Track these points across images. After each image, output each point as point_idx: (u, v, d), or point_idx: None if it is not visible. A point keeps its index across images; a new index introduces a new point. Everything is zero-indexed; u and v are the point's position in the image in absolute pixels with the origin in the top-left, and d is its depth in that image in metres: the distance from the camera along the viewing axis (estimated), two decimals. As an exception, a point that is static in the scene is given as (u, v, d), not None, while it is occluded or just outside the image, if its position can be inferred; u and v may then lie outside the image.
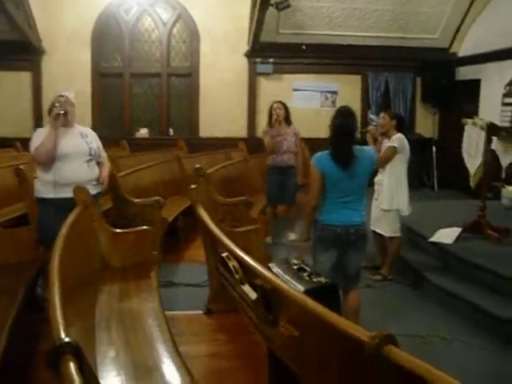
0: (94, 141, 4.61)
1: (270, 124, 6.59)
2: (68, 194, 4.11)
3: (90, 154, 4.48)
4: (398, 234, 5.37)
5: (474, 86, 9.69)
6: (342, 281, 3.76)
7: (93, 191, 4.37)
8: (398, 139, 5.25)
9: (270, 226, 6.82)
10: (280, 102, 6.71)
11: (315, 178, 3.77)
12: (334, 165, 3.68)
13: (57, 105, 4.34)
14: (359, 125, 5.78)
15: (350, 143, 3.71)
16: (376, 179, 5.41)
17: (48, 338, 1.87)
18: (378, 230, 5.39)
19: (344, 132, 3.70)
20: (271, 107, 6.65)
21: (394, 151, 5.23)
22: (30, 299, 4.02)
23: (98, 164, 4.64)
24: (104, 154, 4.76)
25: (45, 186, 4.32)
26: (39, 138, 4.29)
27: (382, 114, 5.56)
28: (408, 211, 5.41)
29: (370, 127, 5.58)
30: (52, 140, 4.23)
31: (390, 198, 5.29)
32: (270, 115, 6.61)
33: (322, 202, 3.78)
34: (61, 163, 4.29)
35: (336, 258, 3.77)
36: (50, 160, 4.26)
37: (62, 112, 4.28)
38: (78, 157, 4.38)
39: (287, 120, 6.63)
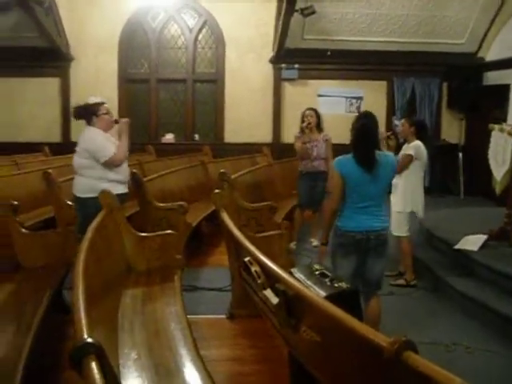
0: None
1: (302, 130, 6.62)
2: (127, 189, 4.90)
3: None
4: (406, 234, 5.42)
5: (503, 91, 9.57)
6: (362, 287, 3.74)
7: (126, 189, 4.91)
8: (414, 147, 5.32)
9: (295, 232, 6.85)
10: (312, 109, 6.75)
11: (336, 182, 3.76)
12: (356, 168, 3.67)
13: (106, 111, 4.81)
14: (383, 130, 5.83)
15: (372, 146, 3.71)
16: (393, 181, 5.40)
17: (73, 339, 1.90)
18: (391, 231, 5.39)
19: (366, 135, 3.71)
20: (303, 114, 6.68)
21: (410, 159, 5.31)
22: (56, 301, 4.09)
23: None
24: None
25: (113, 185, 4.61)
26: (104, 143, 4.68)
27: (402, 121, 5.60)
28: (423, 214, 5.50)
29: (383, 134, 5.53)
30: (127, 143, 4.79)
31: (403, 201, 5.37)
32: (303, 121, 6.64)
33: (342, 208, 3.78)
34: (125, 164, 4.87)
35: (356, 263, 3.75)
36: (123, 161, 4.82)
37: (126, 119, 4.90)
38: None
39: (319, 127, 6.66)
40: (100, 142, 4.68)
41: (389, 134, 5.64)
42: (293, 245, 6.58)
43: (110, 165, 4.68)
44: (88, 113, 4.78)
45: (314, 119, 6.60)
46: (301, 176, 6.80)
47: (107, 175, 4.68)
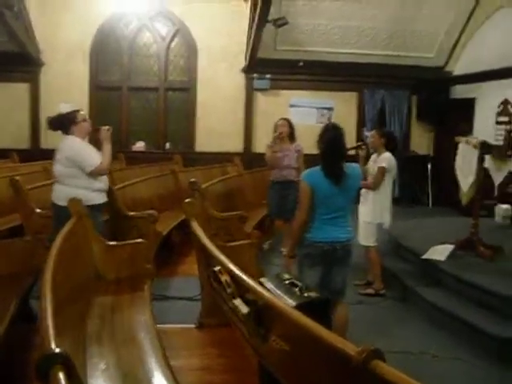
0: None
1: (275, 140, 6.64)
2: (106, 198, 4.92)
3: None
4: (373, 244, 5.48)
5: (469, 104, 9.78)
6: (328, 296, 3.77)
7: (105, 198, 4.94)
8: (386, 159, 5.39)
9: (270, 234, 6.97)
10: (285, 119, 6.77)
11: (305, 194, 3.79)
12: (324, 180, 3.71)
13: (85, 118, 4.81)
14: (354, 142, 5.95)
15: (341, 157, 3.76)
16: (362, 191, 5.47)
17: (40, 349, 1.88)
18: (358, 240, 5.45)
19: (335, 146, 3.76)
20: (276, 123, 6.71)
21: (383, 171, 5.37)
22: (23, 310, 4.02)
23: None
24: None
25: (98, 194, 4.75)
26: (89, 153, 4.70)
27: (372, 132, 5.67)
28: (389, 225, 5.56)
29: (362, 145, 5.63)
30: (110, 151, 4.81)
31: (374, 212, 5.42)
32: (275, 131, 6.67)
33: (311, 219, 3.81)
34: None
35: (322, 274, 3.79)
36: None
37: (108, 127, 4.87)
38: None
39: (291, 137, 6.67)
40: (84, 151, 4.68)
41: (360, 143, 5.74)
42: (267, 244, 6.67)
43: (96, 174, 4.69)
44: (65, 122, 4.74)
45: (286, 129, 6.63)
46: (271, 185, 6.83)
47: (93, 185, 4.70)
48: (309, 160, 3.97)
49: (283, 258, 6.50)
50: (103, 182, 4.82)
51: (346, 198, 3.81)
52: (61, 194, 4.61)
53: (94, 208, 4.59)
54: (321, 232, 3.76)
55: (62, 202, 4.50)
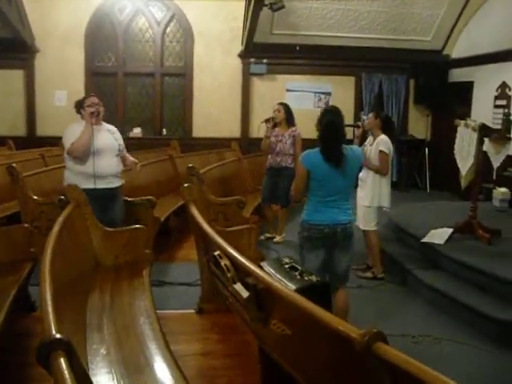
0: (119, 137, 5.12)
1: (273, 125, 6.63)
2: (105, 184, 4.82)
3: (118, 150, 5.01)
4: (375, 228, 5.48)
5: (467, 88, 9.75)
6: (329, 280, 3.77)
7: (118, 183, 5.02)
8: (384, 143, 5.33)
9: (270, 223, 7.01)
10: (281, 104, 6.75)
11: (301, 176, 3.78)
12: (324, 163, 3.69)
13: (90, 103, 4.81)
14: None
15: (340, 140, 3.74)
16: (360, 175, 5.45)
17: (40, 336, 1.87)
18: (359, 225, 5.44)
19: (334, 129, 3.73)
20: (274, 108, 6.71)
21: (386, 155, 5.31)
22: (22, 298, 4.01)
23: (121, 157, 5.13)
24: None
25: (84, 178, 4.71)
26: (74, 133, 4.74)
27: (369, 115, 5.68)
28: (389, 205, 5.54)
29: (359, 128, 5.64)
30: (89, 135, 4.72)
31: (372, 195, 5.40)
32: None
33: (308, 201, 3.80)
34: (98, 157, 4.77)
35: (323, 257, 3.78)
36: (85, 154, 4.74)
37: (95, 111, 4.79)
38: (110, 151, 4.91)
39: (288, 121, 6.63)
40: (69, 133, 4.79)
41: (358, 123, 5.77)
42: (264, 236, 6.69)
43: (71, 155, 4.76)
44: (78, 106, 4.92)
45: (280, 114, 6.59)
46: (266, 171, 6.83)
47: (74, 167, 4.80)
48: (307, 145, 3.95)
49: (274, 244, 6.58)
50: (90, 167, 4.73)
51: (346, 181, 3.78)
52: (64, 176, 4.90)
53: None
54: (320, 214, 3.75)
55: (65, 183, 4.70)
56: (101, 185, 4.79)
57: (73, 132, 4.76)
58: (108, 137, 4.97)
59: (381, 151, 5.30)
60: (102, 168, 4.79)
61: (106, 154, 4.85)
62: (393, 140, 5.51)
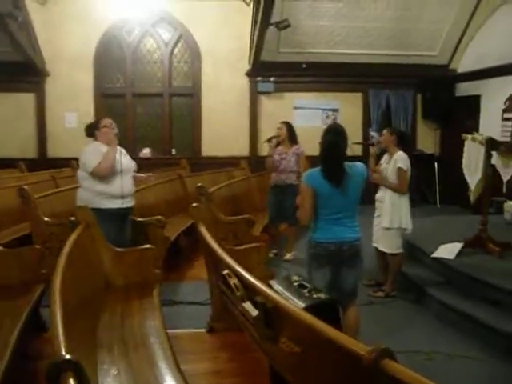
0: (130, 158, 5.25)
1: (277, 143, 6.69)
2: (127, 204, 4.98)
3: (134, 170, 5.20)
4: (400, 251, 5.33)
5: (474, 101, 9.76)
6: (338, 297, 3.75)
7: (133, 202, 5.14)
8: (402, 160, 5.22)
9: (276, 242, 6.97)
10: (283, 122, 6.79)
11: (306, 196, 3.77)
12: (325, 181, 3.70)
13: (107, 124, 4.97)
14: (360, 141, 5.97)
15: (340, 159, 3.74)
16: (377, 196, 5.42)
17: (50, 357, 1.88)
18: (380, 247, 5.38)
19: (335, 149, 3.74)
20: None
21: (404, 172, 5.22)
22: (34, 319, 4.03)
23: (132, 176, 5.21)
24: None
25: (106, 198, 4.83)
26: (97, 154, 4.82)
27: (384, 131, 5.55)
28: (410, 228, 5.36)
29: (373, 146, 5.60)
30: (114, 155, 4.83)
31: (391, 217, 5.23)
32: None
33: (315, 220, 3.80)
34: (123, 177, 4.92)
35: (330, 275, 3.77)
36: (112, 173, 4.84)
37: (115, 132, 4.95)
38: (129, 171, 5.08)
39: (291, 139, 6.67)
40: (89, 153, 4.85)
41: (373, 141, 5.70)
42: (272, 254, 6.66)
43: (96, 176, 4.81)
44: (91, 128, 5.02)
45: (283, 132, 6.65)
46: (270, 189, 6.84)
47: (95, 187, 4.83)
48: (315, 162, 3.96)
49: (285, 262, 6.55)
50: (112, 187, 4.84)
51: (349, 198, 3.76)
52: (78, 196, 4.91)
53: (101, 212, 4.61)
54: (326, 232, 3.75)
55: (80, 203, 4.72)
56: (125, 204, 4.96)
57: (96, 152, 4.83)
58: (126, 157, 5.12)
59: (399, 168, 5.18)
60: (126, 187, 4.94)
61: (127, 174, 5.01)
62: (408, 155, 5.36)
